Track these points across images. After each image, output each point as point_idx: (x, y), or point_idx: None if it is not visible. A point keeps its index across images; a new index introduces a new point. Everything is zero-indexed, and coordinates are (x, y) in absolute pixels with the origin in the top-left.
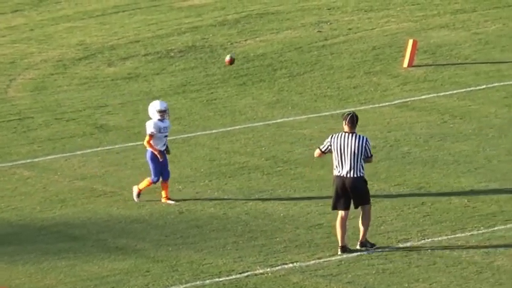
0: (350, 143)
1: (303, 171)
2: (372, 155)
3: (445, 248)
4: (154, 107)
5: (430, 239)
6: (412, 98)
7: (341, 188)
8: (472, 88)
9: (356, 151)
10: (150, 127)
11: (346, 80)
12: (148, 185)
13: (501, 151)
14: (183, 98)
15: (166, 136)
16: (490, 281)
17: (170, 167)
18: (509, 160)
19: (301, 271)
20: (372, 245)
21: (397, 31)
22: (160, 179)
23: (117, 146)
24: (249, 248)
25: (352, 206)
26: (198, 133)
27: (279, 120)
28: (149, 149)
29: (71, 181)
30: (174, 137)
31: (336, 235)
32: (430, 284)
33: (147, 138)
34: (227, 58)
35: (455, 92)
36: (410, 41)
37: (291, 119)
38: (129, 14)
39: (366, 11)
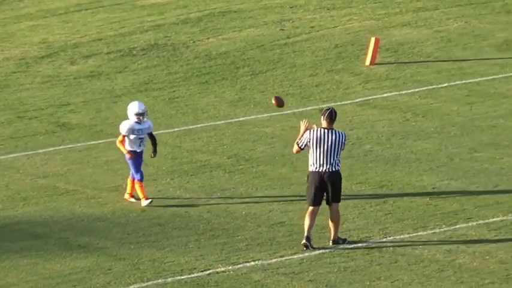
0: (329, 139)
1: (265, 169)
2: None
3: (407, 246)
4: (132, 110)
5: (391, 237)
6: (374, 96)
7: (318, 183)
8: (434, 86)
9: (334, 147)
10: (123, 128)
11: (308, 78)
12: (141, 186)
13: (463, 149)
14: (145, 96)
15: (141, 138)
16: (452, 279)
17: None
18: (471, 158)
19: (263, 269)
20: (344, 240)
21: (359, 29)
22: (135, 178)
23: (79, 144)
24: (211, 246)
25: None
26: (161, 131)
27: (241, 119)
28: (125, 154)
29: (33, 179)
30: (136, 136)
31: (303, 225)
32: (392, 282)
33: (119, 138)
34: (273, 101)
35: (417, 90)
36: (373, 39)
37: (253, 117)
38: (92, 12)
39: (328, 9)
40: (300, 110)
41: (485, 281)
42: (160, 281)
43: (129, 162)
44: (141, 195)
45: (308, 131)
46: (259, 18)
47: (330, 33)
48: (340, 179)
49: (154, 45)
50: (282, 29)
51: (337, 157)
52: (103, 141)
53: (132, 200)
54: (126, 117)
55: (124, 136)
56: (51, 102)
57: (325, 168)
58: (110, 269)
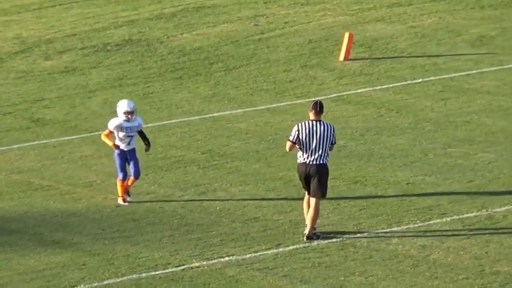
0: (317, 131)
1: (239, 165)
2: (335, 143)
3: (381, 241)
4: (121, 108)
5: (366, 233)
6: (348, 92)
7: (305, 175)
8: (408, 82)
9: (323, 139)
10: (111, 125)
11: (282, 74)
12: (122, 185)
13: (437, 145)
14: (119, 91)
15: (130, 136)
16: (426, 274)
17: (107, 161)
18: (445, 154)
19: (237, 264)
20: (318, 236)
21: (333, 24)
22: (131, 176)
23: (53, 140)
24: (185, 242)
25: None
26: None
27: (215, 114)
28: (115, 150)
29: (7, 175)
30: None
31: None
32: (366, 278)
33: (105, 131)
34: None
35: (391, 85)
36: (347, 35)
37: (227, 112)
38: (66, 8)
39: (302, 5)
40: (274, 105)
41: (459, 277)
42: (134, 276)
43: (117, 159)
44: (119, 193)
45: (296, 124)
46: (233, 14)
47: (304, 28)
48: (326, 173)
49: (129, 40)
50: (256, 25)
51: (325, 149)
52: (77, 136)
53: (125, 203)
54: (99, 113)
55: (110, 132)
56: (26, 97)
57: (312, 159)
58: (85, 265)
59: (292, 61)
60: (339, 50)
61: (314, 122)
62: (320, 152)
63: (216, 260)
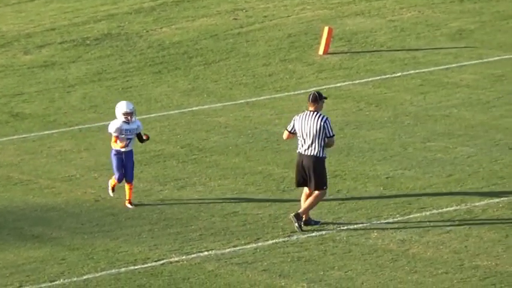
0: (310, 122)
1: (218, 159)
2: (332, 135)
3: (361, 235)
4: (120, 109)
5: (345, 227)
6: (328, 86)
7: (300, 165)
8: (387, 76)
9: (314, 130)
10: (112, 128)
11: (261, 68)
12: (114, 185)
13: (416, 139)
14: (98, 86)
15: (129, 139)
16: (406, 268)
17: (86, 155)
18: (424, 148)
19: (216, 259)
20: (317, 222)
21: (312, 18)
22: (115, 176)
23: (32, 134)
24: (165, 236)
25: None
26: None
27: (194, 108)
28: (112, 148)
29: None
30: (89, 125)
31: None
32: (346, 272)
33: (112, 139)
34: None
35: (370, 79)
36: (326, 29)
37: (206, 106)
38: (45, 2)
39: None
40: (253, 99)
41: (438, 271)
42: (113, 271)
43: (113, 160)
44: (110, 185)
45: (296, 115)
46: (213, 8)
47: (283, 22)
48: (320, 165)
49: (108, 34)
50: (235, 19)
51: (318, 141)
52: (56, 131)
53: (130, 206)
54: (79, 107)
55: (116, 137)
56: (5, 92)
57: (305, 150)
58: (64, 259)
59: (272, 55)
60: (318, 44)
61: (309, 113)
62: (311, 144)
63: (195, 255)
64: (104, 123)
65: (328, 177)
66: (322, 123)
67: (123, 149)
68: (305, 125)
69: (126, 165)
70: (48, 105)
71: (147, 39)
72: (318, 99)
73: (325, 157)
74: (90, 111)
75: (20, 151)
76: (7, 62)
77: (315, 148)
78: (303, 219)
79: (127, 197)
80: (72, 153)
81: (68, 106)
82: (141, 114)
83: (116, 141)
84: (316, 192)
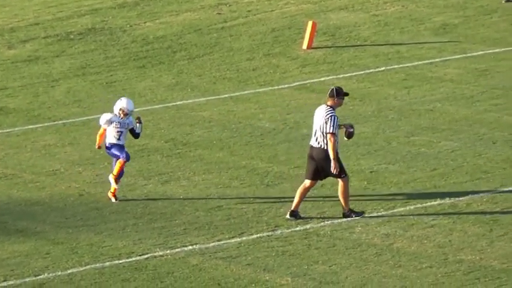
0: (319, 114)
1: (202, 153)
2: (328, 132)
3: (345, 230)
4: (119, 104)
5: (329, 221)
6: (312, 80)
7: (309, 157)
8: (371, 70)
9: (320, 123)
10: (102, 120)
11: (245, 62)
12: (122, 166)
13: (400, 133)
14: (82, 80)
15: (120, 132)
16: (390, 263)
17: (70, 150)
18: (408, 142)
19: (200, 253)
20: (359, 214)
21: (296, 13)
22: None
23: (17, 129)
24: (149, 230)
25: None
26: (98, 115)
27: (178, 103)
28: (106, 142)
29: None
30: (73, 120)
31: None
32: (330, 266)
33: (100, 130)
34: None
35: (354, 74)
36: (310, 23)
37: (190, 101)
38: None
39: None
40: (236, 94)
41: (423, 265)
42: (98, 265)
43: (112, 149)
44: (115, 172)
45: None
46: (196, 2)
47: (267, 17)
48: (323, 156)
49: (92, 29)
50: (219, 13)
51: (319, 133)
52: (41, 125)
53: (114, 200)
54: (63, 102)
55: (104, 129)
56: None
57: (312, 141)
58: (48, 253)
59: (255, 49)
60: (302, 38)
61: (323, 106)
62: (317, 135)
63: (179, 249)
64: (88, 117)
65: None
66: (325, 117)
67: (115, 142)
68: (316, 117)
69: (116, 159)
70: (32, 99)
71: (131, 33)
72: (334, 95)
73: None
74: (74, 105)
75: (4, 146)
76: None
77: (321, 141)
78: (344, 211)
79: (114, 172)
80: (57, 147)
81: (52, 101)
82: None
83: (102, 135)
84: (339, 182)
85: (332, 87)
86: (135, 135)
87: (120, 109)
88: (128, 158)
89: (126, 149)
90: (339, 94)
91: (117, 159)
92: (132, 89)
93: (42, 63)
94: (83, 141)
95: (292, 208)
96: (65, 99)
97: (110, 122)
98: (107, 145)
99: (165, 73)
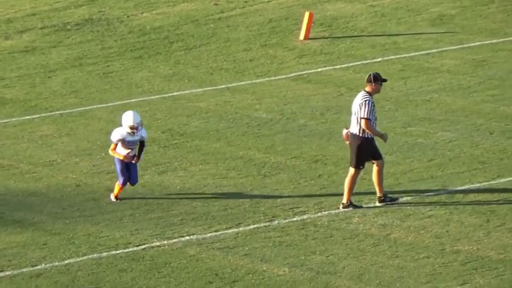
0: (356, 100)
1: (199, 144)
2: (364, 117)
3: (342, 220)
4: (126, 121)
5: (327, 212)
6: (308, 71)
7: (349, 144)
8: (368, 61)
9: (355, 108)
10: (114, 137)
11: (242, 53)
12: (120, 189)
13: (397, 123)
14: (79, 71)
15: (131, 147)
16: (387, 253)
17: (67, 140)
18: (405, 132)
19: (197, 244)
20: (392, 199)
21: (293, 3)
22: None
23: (13, 119)
24: (146, 221)
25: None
26: (95, 106)
27: (175, 93)
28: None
29: None
30: (70, 110)
31: None
32: (327, 257)
33: (111, 146)
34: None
35: (351, 64)
36: (307, 14)
37: (187, 92)
38: None
39: None
40: (233, 84)
41: (420, 255)
42: (95, 255)
43: (117, 164)
44: (115, 191)
45: None
46: None
47: (264, 7)
48: (357, 143)
49: (89, 20)
50: (216, 4)
51: (356, 119)
52: (37, 116)
53: (114, 199)
54: (60, 92)
55: (115, 144)
56: None
57: (351, 127)
58: (45, 244)
59: (252, 40)
60: (299, 29)
61: (361, 92)
62: (352, 121)
63: (176, 240)
64: (84, 108)
65: (309, 162)
66: (360, 103)
67: (126, 160)
68: (353, 103)
69: (130, 168)
70: (29, 90)
71: (128, 24)
72: (372, 80)
73: (363, 136)
74: (71, 96)
75: (0, 136)
76: None
77: (354, 126)
78: (380, 196)
79: (115, 192)
80: (54, 138)
81: (48, 91)
82: (122, 99)
83: (114, 149)
84: (375, 166)
85: (370, 72)
86: (140, 150)
87: (129, 127)
88: (124, 183)
89: (133, 169)
90: (376, 80)
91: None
92: (128, 79)
93: (39, 53)
94: (80, 132)
95: (343, 201)
96: (61, 90)
97: (122, 141)
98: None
99: (162, 64)
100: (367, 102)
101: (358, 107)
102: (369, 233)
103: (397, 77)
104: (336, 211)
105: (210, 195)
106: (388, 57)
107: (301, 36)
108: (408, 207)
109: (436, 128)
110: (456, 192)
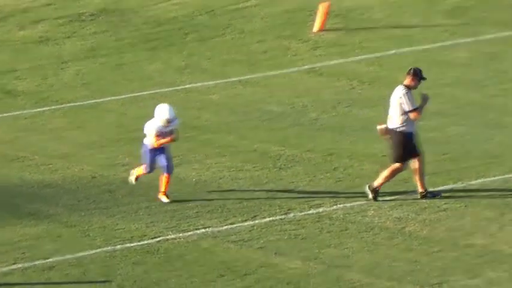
0: (394, 94)
1: (212, 137)
2: (411, 110)
3: (357, 213)
4: (161, 114)
5: (342, 205)
6: (321, 64)
7: (389, 139)
8: (381, 53)
9: (393, 101)
10: (150, 129)
11: (256, 45)
12: (141, 175)
13: None
14: (92, 62)
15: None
16: (401, 246)
17: (79, 133)
18: (418, 127)
19: (212, 236)
20: (435, 194)
21: None
22: (164, 172)
23: (25, 112)
24: (161, 213)
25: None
26: (107, 98)
27: (187, 86)
28: (145, 143)
29: None
30: (82, 103)
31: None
32: (342, 250)
33: (153, 139)
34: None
35: (364, 57)
36: (322, 5)
37: (199, 84)
38: None
39: None
40: (246, 77)
41: (433, 249)
42: (109, 248)
43: (147, 153)
44: (136, 173)
45: None
46: None
47: None
48: (397, 138)
49: (103, 10)
50: None
51: (394, 113)
52: (49, 108)
53: (164, 199)
54: (71, 84)
55: (157, 136)
56: None
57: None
58: (60, 236)
59: (267, 32)
60: (314, 20)
61: (399, 86)
62: (390, 116)
63: (191, 232)
64: (96, 100)
65: (324, 155)
66: (398, 96)
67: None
68: (391, 97)
69: (163, 158)
70: (41, 82)
71: (143, 15)
72: (411, 74)
73: (404, 131)
74: (82, 88)
75: (13, 128)
76: (2, 37)
77: (394, 120)
78: (377, 190)
79: (162, 189)
80: (66, 130)
81: (60, 83)
82: (134, 92)
83: (158, 138)
84: (392, 165)
85: (413, 67)
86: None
87: (166, 120)
88: (149, 172)
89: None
90: (416, 74)
91: (145, 165)
92: (141, 72)
93: (53, 44)
94: (92, 125)
95: (375, 185)
96: (73, 82)
97: (158, 132)
98: (149, 147)
99: (175, 56)
100: (407, 93)
101: (397, 98)
102: (384, 226)
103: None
104: (351, 204)
105: (226, 188)
106: (402, 50)
107: (316, 28)
108: (423, 200)
109: (448, 123)
110: (471, 186)
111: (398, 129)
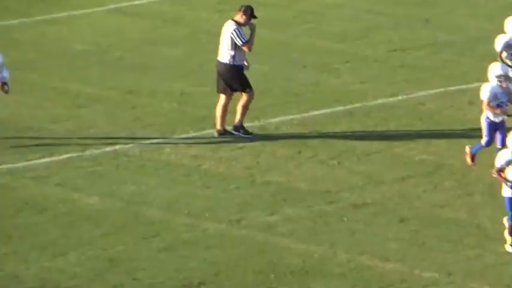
0: (224, 29)
1: (15, 74)
2: (244, 43)
3: (154, 151)
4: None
5: (139, 142)
6: (126, 4)
7: (218, 73)
8: None
9: (224, 37)
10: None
11: None
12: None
13: (213, 56)
14: None
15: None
16: (198, 183)
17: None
18: None
19: (9, 173)
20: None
21: None
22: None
23: None
24: None
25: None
26: None
27: None
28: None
29: None
30: None
31: None
32: (139, 186)
33: (484, 104)
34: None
35: None
36: None
37: (5, 23)
38: None
39: None
40: (51, 16)
41: (230, 186)
42: None
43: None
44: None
45: None
46: None
47: None
48: (231, 73)
49: None
50: None
51: (225, 48)
52: None
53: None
54: None
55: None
56: None
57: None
58: None
59: None
60: None
61: (228, 21)
62: (220, 50)
63: None
64: None
65: (123, 93)
66: (230, 30)
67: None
68: (222, 32)
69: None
70: None
71: None
72: (242, 11)
73: (235, 65)
74: None
75: None
76: None
77: (223, 55)
78: (242, 125)
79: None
80: None
81: None
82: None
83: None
84: (243, 95)
85: (244, 4)
86: None
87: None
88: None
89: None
90: (246, 12)
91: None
92: None
93: None
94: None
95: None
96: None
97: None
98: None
99: None
100: (237, 29)
101: (228, 33)
102: (181, 163)
103: (214, 10)
104: (149, 142)
105: (24, 125)
106: None
107: None
108: (220, 138)
109: (251, 61)
110: (268, 124)
111: (230, 64)
